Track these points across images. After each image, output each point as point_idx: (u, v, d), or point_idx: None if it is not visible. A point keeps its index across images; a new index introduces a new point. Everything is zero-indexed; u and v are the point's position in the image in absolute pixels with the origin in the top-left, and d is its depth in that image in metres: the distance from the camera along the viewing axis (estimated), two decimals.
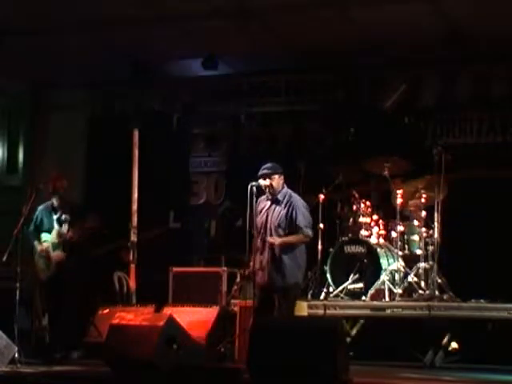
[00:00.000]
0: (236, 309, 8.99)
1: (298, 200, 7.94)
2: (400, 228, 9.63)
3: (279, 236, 7.80)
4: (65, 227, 9.13)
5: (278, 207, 7.91)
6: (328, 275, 9.61)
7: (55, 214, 9.27)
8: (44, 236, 9.27)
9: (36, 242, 9.24)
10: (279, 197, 7.95)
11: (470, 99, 10.63)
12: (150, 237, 10.70)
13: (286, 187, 8.02)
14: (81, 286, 9.42)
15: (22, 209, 8.79)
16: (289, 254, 7.79)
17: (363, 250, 9.56)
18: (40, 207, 9.34)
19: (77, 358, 9.14)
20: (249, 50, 10.49)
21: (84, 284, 9.50)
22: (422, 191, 9.59)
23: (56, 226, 9.22)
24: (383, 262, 9.44)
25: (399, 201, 9.59)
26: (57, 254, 9.14)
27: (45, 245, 9.19)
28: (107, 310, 9.39)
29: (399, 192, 9.61)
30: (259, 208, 8.05)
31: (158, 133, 11.76)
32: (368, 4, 9.06)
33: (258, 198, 8.23)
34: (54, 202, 9.27)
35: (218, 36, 10.00)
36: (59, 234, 9.12)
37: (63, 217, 9.15)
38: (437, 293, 9.19)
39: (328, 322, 7.82)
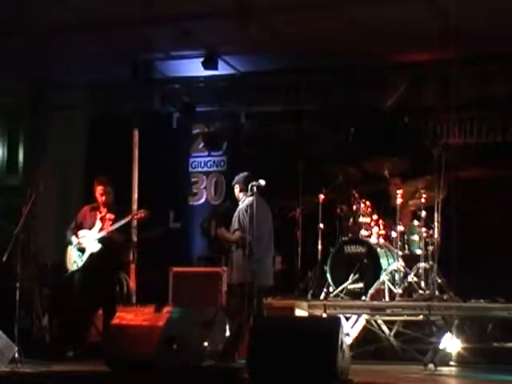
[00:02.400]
0: None
1: (240, 209, 8.68)
2: (400, 228, 9.62)
3: None
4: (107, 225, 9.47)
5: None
6: (328, 275, 9.59)
7: (99, 212, 9.57)
8: (82, 232, 9.50)
9: (73, 237, 9.49)
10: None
11: (469, 99, 10.63)
12: (150, 237, 10.70)
13: (246, 197, 8.69)
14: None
15: (21, 209, 8.79)
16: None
17: (363, 250, 9.55)
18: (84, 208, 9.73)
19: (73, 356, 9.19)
20: (249, 49, 10.50)
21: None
22: (422, 191, 9.57)
23: (98, 223, 9.48)
24: (383, 261, 9.43)
25: (399, 201, 9.58)
26: (93, 245, 9.40)
27: (82, 237, 9.46)
28: None
29: (399, 192, 9.61)
30: None
31: (158, 133, 11.76)
32: (368, 4, 9.05)
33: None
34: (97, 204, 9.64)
35: (218, 36, 10.01)
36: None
37: (107, 216, 9.52)
38: (437, 293, 9.17)
39: (328, 321, 7.82)
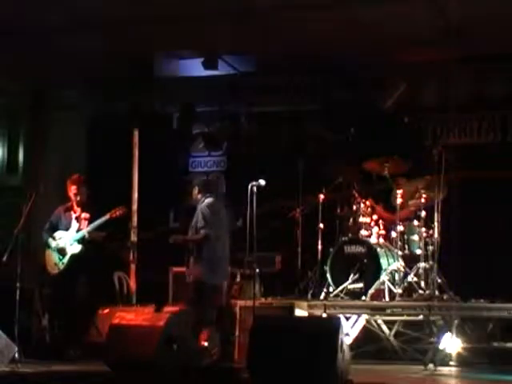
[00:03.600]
0: (236, 309, 9.00)
1: (203, 206, 8.81)
2: (400, 228, 9.63)
3: None
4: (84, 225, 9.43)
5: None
6: (328, 275, 9.59)
7: (74, 212, 9.54)
8: (59, 233, 9.46)
9: (50, 239, 9.45)
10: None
11: (469, 99, 10.63)
12: (149, 237, 10.70)
13: (204, 198, 8.91)
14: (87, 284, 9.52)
15: (22, 209, 8.79)
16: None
17: (363, 250, 9.55)
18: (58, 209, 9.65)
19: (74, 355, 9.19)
20: (249, 50, 10.50)
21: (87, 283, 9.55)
22: (422, 191, 9.58)
23: (74, 223, 9.45)
24: (383, 262, 9.43)
25: (399, 201, 9.58)
26: (74, 247, 9.36)
27: (59, 239, 9.41)
28: (107, 310, 9.40)
29: (399, 192, 9.61)
30: None
31: (158, 133, 11.76)
32: (368, 4, 9.05)
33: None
34: (72, 204, 9.58)
35: (218, 36, 10.00)
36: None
37: (83, 215, 9.48)
38: (437, 293, 9.18)
39: (328, 322, 7.82)
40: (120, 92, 11.56)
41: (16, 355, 8.15)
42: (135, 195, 10.80)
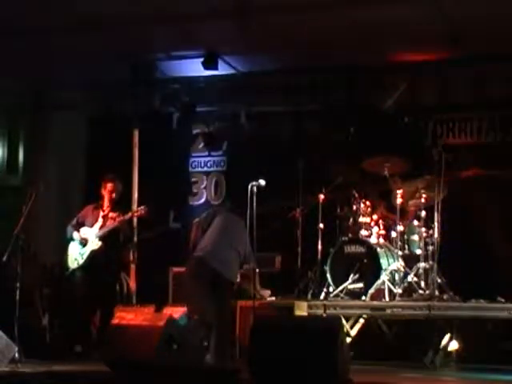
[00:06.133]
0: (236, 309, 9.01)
1: None
2: (400, 228, 9.63)
3: None
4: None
5: None
6: (328, 275, 9.60)
7: (102, 211, 9.68)
8: (83, 229, 9.60)
9: (75, 232, 9.58)
10: None
11: (469, 99, 10.63)
12: (150, 237, 10.70)
13: None
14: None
15: (22, 209, 8.80)
16: None
17: (363, 250, 9.56)
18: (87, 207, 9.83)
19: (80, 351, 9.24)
20: (249, 49, 10.49)
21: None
22: (422, 191, 9.58)
23: (100, 220, 9.60)
24: (383, 261, 9.44)
25: (399, 201, 9.59)
26: (95, 243, 9.48)
27: (83, 234, 9.55)
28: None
29: (399, 192, 9.61)
30: None
31: (158, 133, 11.76)
32: (368, 4, 9.05)
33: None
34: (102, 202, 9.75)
35: (218, 36, 10.00)
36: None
37: (110, 214, 9.64)
38: (437, 293, 9.18)
39: (328, 321, 7.82)
40: (120, 92, 11.56)
41: (16, 355, 8.14)
42: (135, 195, 10.81)
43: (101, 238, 9.48)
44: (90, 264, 9.47)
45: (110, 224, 9.57)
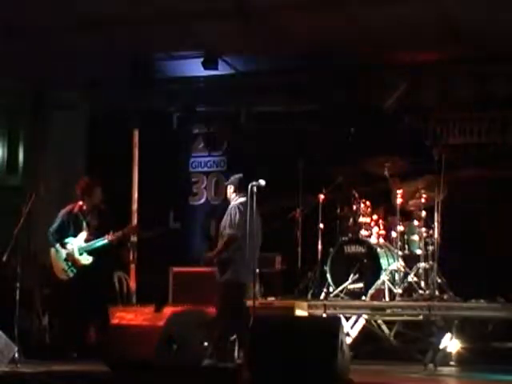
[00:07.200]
0: None
1: (233, 205, 8.91)
2: (400, 228, 9.63)
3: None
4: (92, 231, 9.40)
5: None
6: (328, 275, 9.60)
7: (84, 218, 9.47)
8: (69, 241, 9.42)
9: (58, 245, 9.41)
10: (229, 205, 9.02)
11: (469, 99, 10.63)
12: (149, 237, 10.70)
13: (237, 197, 8.95)
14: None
15: (22, 209, 8.79)
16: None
17: (363, 250, 9.56)
18: (63, 211, 9.57)
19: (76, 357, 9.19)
20: (249, 49, 10.49)
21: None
22: (422, 191, 9.58)
23: (85, 230, 9.40)
24: (383, 261, 9.44)
25: (399, 201, 9.59)
26: (84, 258, 9.32)
27: (69, 248, 9.35)
28: None
29: (399, 192, 9.61)
30: None
31: (158, 133, 11.76)
32: (368, 4, 9.05)
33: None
34: (84, 206, 9.53)
35: (218, 36, 10.00)
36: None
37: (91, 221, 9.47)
38: (437, 293, 9.18)
39: (328, 321, 7.82)
40: (120, 92, 11.56)
41: (16, 355, 8.15)
42: (135, 195, 10.80)
43: (89, 253, 9.35)
44: (81, 277, 9.33)
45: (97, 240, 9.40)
